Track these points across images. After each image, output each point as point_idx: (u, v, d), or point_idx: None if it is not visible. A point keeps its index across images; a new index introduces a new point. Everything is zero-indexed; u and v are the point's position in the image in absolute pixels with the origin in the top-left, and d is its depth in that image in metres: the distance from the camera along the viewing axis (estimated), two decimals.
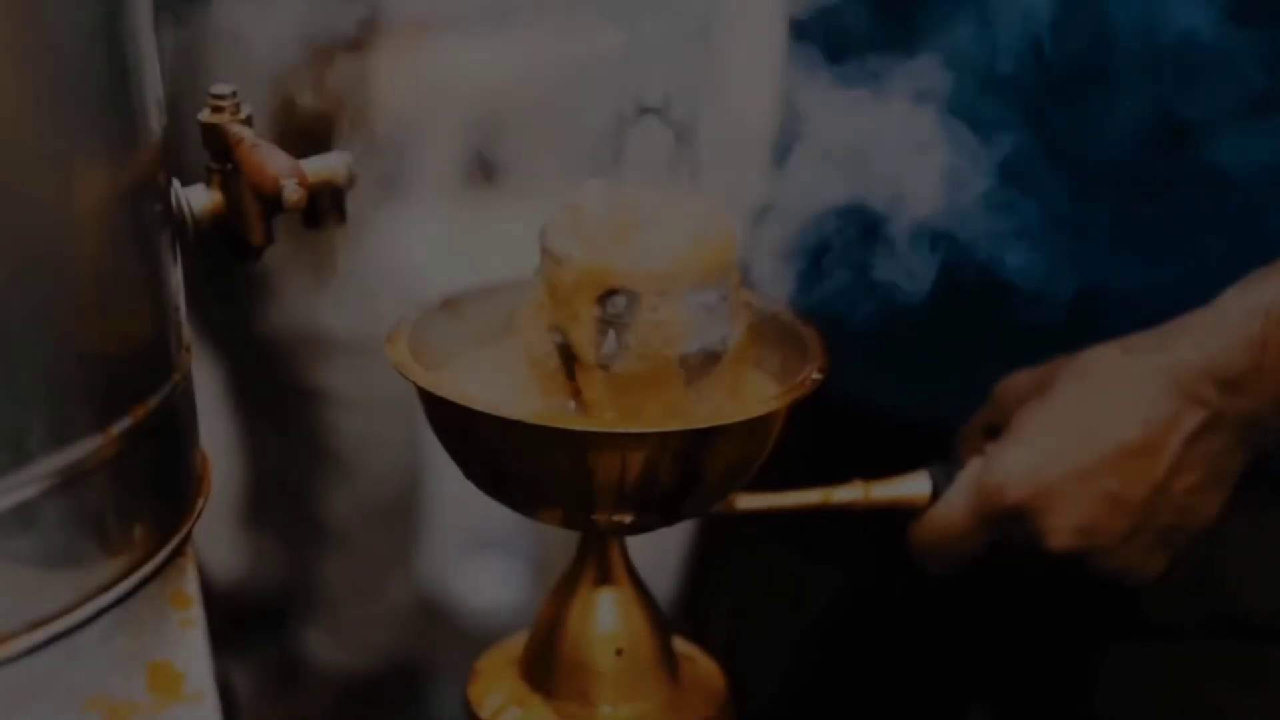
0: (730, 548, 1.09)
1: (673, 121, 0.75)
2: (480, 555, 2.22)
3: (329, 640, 2.00)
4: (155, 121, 0.63)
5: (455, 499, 2.06)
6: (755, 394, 0.76)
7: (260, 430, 2.00)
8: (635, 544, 0.78)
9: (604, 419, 0.72)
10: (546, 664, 0.77)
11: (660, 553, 1.12)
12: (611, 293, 0.70)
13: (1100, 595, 0.87)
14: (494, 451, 0.72)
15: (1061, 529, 0.80)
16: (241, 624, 1.96)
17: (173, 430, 0.65)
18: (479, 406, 0.69)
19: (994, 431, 0.85)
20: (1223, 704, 0.92)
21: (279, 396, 1.94)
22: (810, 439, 0.83)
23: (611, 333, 0.71)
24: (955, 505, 0.82)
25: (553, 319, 0.73)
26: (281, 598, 2.03)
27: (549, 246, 0.73)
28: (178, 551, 0.64)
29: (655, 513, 0.73)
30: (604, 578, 0.77)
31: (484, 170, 0.78)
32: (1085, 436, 0.80)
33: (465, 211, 2.23)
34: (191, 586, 0.64)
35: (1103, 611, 0.92)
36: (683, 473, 0.70)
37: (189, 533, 0.66)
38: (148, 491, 0.63)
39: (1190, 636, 0.92)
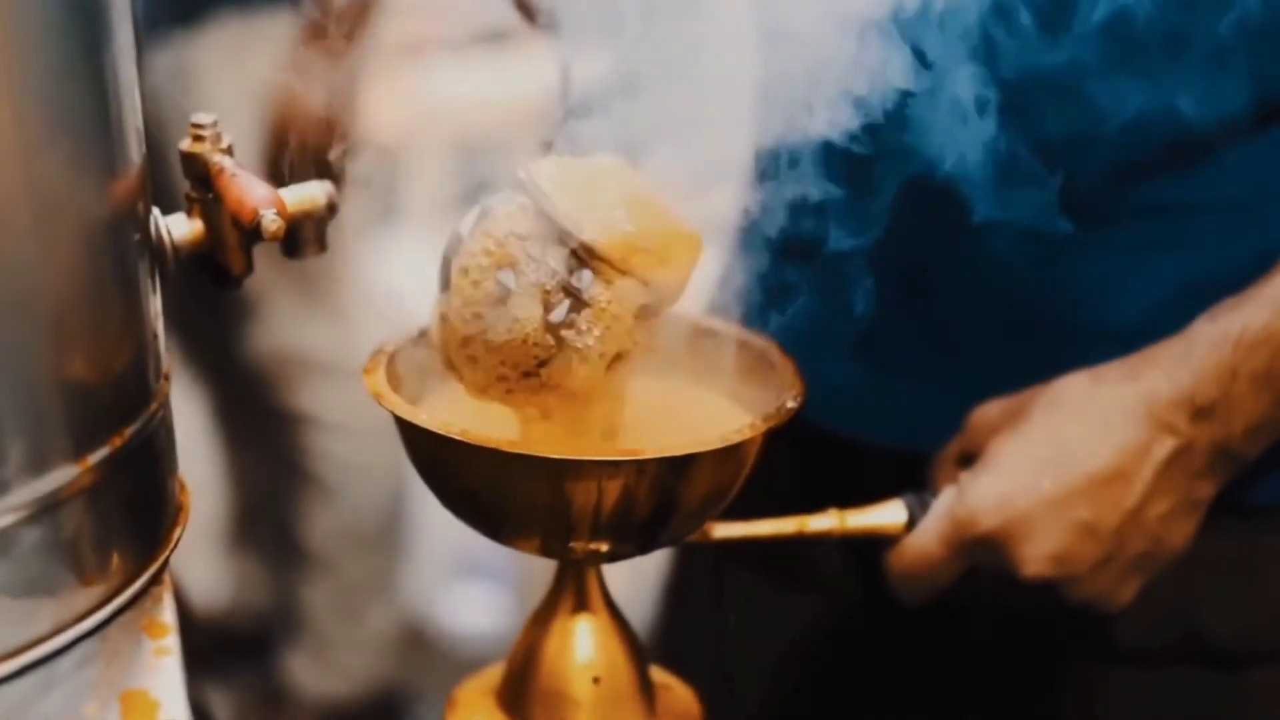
0: (707, 576, 1.09)
1: (652, 146, 0.76)
2: (464, 581, 2.21)
3: (312, 666, 2.00)
4: (135, 151, 0.63)
5: (439, 525, 2.06)
6: (729, 422, 0.77)
7: (244, 455, 2.00)
8: (612, 573, 0.78)
9: (581, 446, 0.72)
10: (523, 693, 0.77)
11: (637, 582, 1.12)
12: (581, 264, 0.69)
13: (1072, 621, 0.88)
14: (470, 479, 0.72)
15: (1034, 557, 0.80)
16: (224, 649, 1.95)
17: (150, 459, 0.65)
18: (454, 434, 0.69)
19: (968, 460, 0.85)
20: None
21: (263, 422, 1.94)
22: (786, 467, 0.84)
23: (566, 302, 0.70)
24: (929, 534, 0.82)
25: (509, 255, 0.69)
26: (264, 623, 2.02)
27: (531, 186, 0.69)
28: (154, 580, 0.64)
29: (632, 541, 0.73)
30: (581, 606, 0.77)
31: (469, 195, 0.77)
32: (1057, 465, 0.81)
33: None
34: (168, 615, 0.64)
35: (1075, 637, 0.93)
36: (659, 500, 0.71)
37: (166, 562, 0.65)
38: (124, 521, 0.63)
39: (1161, 662, 0.93)
